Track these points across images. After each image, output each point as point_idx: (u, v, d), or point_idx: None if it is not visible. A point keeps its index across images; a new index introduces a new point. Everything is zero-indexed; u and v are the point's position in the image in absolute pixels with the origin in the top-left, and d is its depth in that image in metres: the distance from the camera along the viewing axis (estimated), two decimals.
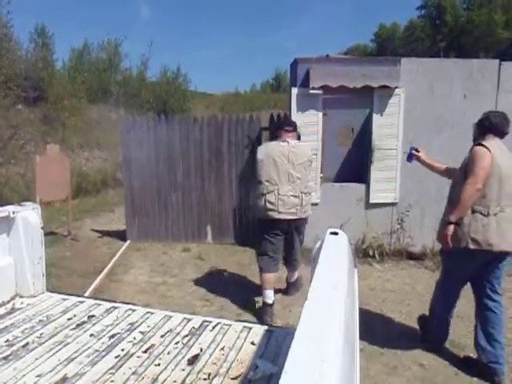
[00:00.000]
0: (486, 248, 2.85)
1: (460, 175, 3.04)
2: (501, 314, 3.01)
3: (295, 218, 3.82)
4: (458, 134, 5.30)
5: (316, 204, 5.22)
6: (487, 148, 2.89)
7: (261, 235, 3.99)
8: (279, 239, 3.95)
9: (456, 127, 5.29)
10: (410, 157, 3.68)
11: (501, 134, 3.05)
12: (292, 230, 3.94)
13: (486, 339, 3.00)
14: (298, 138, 4.00)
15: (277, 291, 4.25)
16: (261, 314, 3.93)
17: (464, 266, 3.04)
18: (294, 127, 3.97)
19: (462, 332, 3.61)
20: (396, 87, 5.28)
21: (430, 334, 3.39)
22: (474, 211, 2.89)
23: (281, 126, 4.01)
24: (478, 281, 3.06)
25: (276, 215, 3.78)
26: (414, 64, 5.39)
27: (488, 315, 3.01)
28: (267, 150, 3.88)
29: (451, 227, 2.92)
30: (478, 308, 3.11)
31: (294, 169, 3.79)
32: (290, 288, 4.50)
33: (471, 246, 2.87)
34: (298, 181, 3.79)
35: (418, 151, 3.65)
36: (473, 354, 3.26)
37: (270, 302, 3.95)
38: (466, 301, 3.90)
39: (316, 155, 5.20)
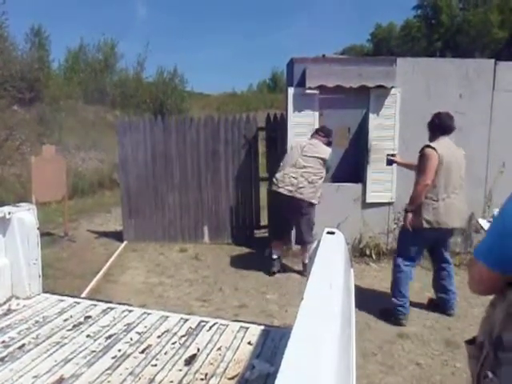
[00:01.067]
0: (436, 226, 3.56)
1: (415, 172, 3.72)
2: (451, 271, 3.90)
3: (290, 195, 4.57)
4: (454, 133, 5.31)
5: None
6: (434, 149, 3.53)
7: (271, 211, 5.29)
8: (284, 215, 4.81)
9: None
10: (390, 162, 4.69)
11: (448, 131, 3.72)
12: (291, 207, 4.62)
13: (443, 289, 3.89)
14: (328, 143, 4.83)
15: (296, 272, 5.06)
16: (268, 266, 5.01)
17: (420, 243, 3.75)
18: (325, 134, 4.86)
19: (458, 331, 3.62)
20: (392, 87, 5.29)
21: (394, 312, 3.80)
22: (426, 198, 3.57)
23: (316, 131, 4.95)
24: (435, 251, 3.91)
25: (276, 188, 4.68)
26: (410, 64, 5.40)
27: (442, 273, 3.87)
28: (294, 144, 4.97)
29: (409, 215, 3.65)
30: (436, 269, 3.94)
31: (302, 157, 4.64)
32: (303, 269, 4.90)
33: (425, 226, 3.57)
34: (302, 168, 4.60)
35: (393, 156, 4.61)
36: None
37: (274, 256, 5.00)
38: (464, 302, 3.93)
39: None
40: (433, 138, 3.74)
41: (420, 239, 3.72)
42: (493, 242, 1.28)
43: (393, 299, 3.77)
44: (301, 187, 4.56)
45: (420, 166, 3.62)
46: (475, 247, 1.37)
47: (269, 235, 4.81)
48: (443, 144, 3.63)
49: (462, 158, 3.77)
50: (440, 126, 3.71)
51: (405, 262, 3.76)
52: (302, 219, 4.70)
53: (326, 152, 4.71)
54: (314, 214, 4.77)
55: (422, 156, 3.59)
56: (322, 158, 4.66)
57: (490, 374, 1.25)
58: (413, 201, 3.63)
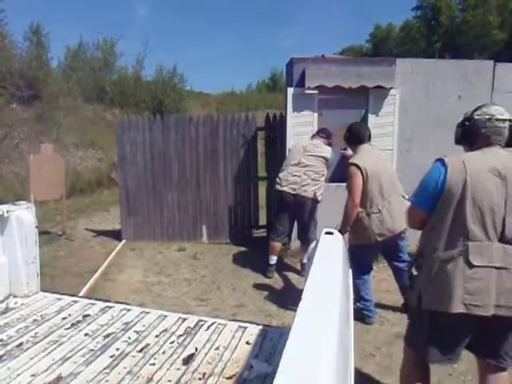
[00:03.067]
0: (389, 235, 3.55)
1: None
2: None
3: (294, 193, 4.65)
4: (453, 134, 5.32)
5: None
6: (356, 165, 3.54)
7: (273, 211, 5.14)
8: (285, 215, 4.82)
9: (451, 127, 5.26)
10: (341, 157, 4.67)
11: (364, 140, 3.79)
12: (295, 206, 4.69)
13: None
14: (328, 145, 4.89)
15: (294, 272, 5.05)
16: (264, 271, 4.99)
17: (373, 252, 3.82)
18: (326, 136, 4.92)
19: None
20: (391, 88, 5.29)
21: (362, 315, 3.81)
22: (368, 214, 3.56)
23: (318, 131, 5.02)
24: (389, 254, 3.86)
25: (279, 187, 4.75)
26: (409, 64, 5.41)
27: (402, 273, 3.78)
28: (295, 143, 5.01)
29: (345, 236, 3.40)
30: (394, 271, 3.91)
31: (304, 157, 4.73)
32: (302, 268, 4.91)
33: (379, 239, 3.55)
34: (305, 167, 4.69)
35: (345, 149, 4.40)
36: (466, 353, 3.28)
37: (271, 262, 4.95)
38: None
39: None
40: (354, 150, 3.84)
41: (370, 251, 3.76)
42: (421, 193, 2.16)
43: (357, 304, 3.74)
44: (304, 185, 4.65)
45: (347, 185, 3.64)
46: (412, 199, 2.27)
47: (268, 235, 4.77)
48: (364, 155, 3.66)
49: (385, 159, 3.95)
50: (355, 137, 3.81)
51: (363, 273, 3.76)
52: (306, 217, 4.75)
53: (327, 151, 4.80)
54: (317, 211, 4.82)
55: (347, 175, 3.62)
56: (324, 157, 4.76)
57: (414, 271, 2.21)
58: (344, 222, 3.60)
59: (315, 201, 4.73)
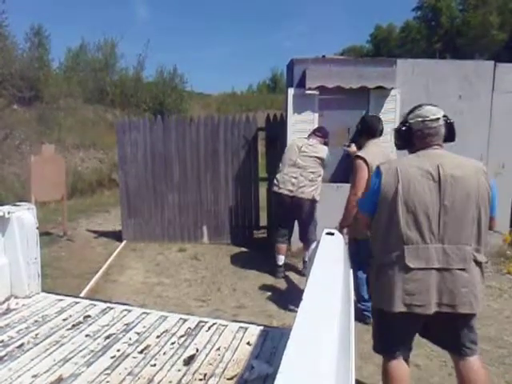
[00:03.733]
0: None
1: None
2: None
3: (292, 195, 4.63)
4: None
5: None
6: (363, 159, 3.38)
7: (274, 213, 5.27)
8: (286, 217, 4.83)
9: None
10: (346, 153, 4.77)
11: (376, 134, 3.66)
12: (294, 208, 4.67)
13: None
14: (324, 144, 4.86)
15: (295, 272, 5.08)
16: (273, 272, 4.96)
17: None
18: (323, 135, 4.91)
19: None
20: (392, 88, 5.29)
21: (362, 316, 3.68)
22: None
23: (314, 130, 5.00)
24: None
25: (277, 189, 4.73)
26: (409, 65, 5.41)
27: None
28: (291, 143, 4.98)
29: (343, 231, 3.18)
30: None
31: (300, 157, 4.69)
32: (303, 266, 4.94)
33: None
34: (302, 168, 4.65)
35: (349, 146, 4.53)
36: None
37: (279, 263, 4.93)
38: None
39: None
40: (362, 144, 3.68)
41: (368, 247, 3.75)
42: (364, 198, 2.38)
43: (358, 304, 3.63)
44: (302, 186, 4.62)
45: (351, 178, 3.49)
46: (359, 204, 2.43)
47: (272, 238, 4.75)
48: (373, 150, 3.48)
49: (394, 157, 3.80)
50: (367, 129, 3.67)
51: (363, 272, 3.64)
52: (305, 218, 4.73)
53: (323, 151, 4.77)
54: (316, 211, 4.81)
55: (353, 167, 3.46)
56: (320, 158, 4.72)
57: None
58: (345, 218, 3.36)
59: (313, 201, 4.70)
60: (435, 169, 2.06)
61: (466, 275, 2.04)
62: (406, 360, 2.29)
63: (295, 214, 4.76)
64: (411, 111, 2.26)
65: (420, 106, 2.26)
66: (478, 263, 2.09)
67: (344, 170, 5.78)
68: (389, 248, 2.11)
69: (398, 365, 2.23)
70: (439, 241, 2.04)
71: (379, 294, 2.17)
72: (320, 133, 4.92)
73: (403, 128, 2.24)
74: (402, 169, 2.10)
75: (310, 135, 4.97)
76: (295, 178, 4.65)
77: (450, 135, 2.23)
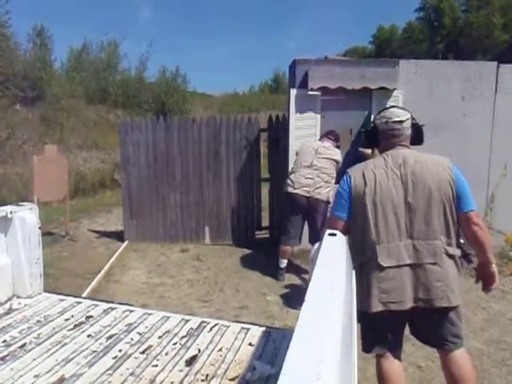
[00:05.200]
0: None
1: None
2: None
3: (307, 195, 4.63)
4: (457, 135, 5.32)
5: None
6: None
7: (283, 214, 5.10)
8: (297, 218, 4.77)
9: (454, 129, 5.31)
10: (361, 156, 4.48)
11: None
12: (309, 208, 4.67)
13: None
14: (337, 147, 4.94)
15: (296, 273, 5.04)
16: (275, 275, 4.93)
17: None
18: (335, 138, 4.98)
19: None
20: (394, 89, 5.29)
21: None
22: None
23: (326, 134, 5.03)
24: None
25: (291, 190, 4.70)
26: (412, 66, 5.41)
27: None
28: (304, 144, 4.98)
29: None
30: None
31: (316, 159, 4.72)
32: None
33: None
34: (318, 169, 4.69)
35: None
36: (470, 356, 3.27)
37: (282, 266, 4.92)
38: (465, 308, 3.88)
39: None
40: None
41: None
42: (337, 203, 2.28)
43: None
44: (318, 187, 4.65)
45: None
46: (331, 211, 2.40)
47: (275, 238, 4.70)
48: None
49: None
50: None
51: None
52: (319, 219, 4.71)
53: (338, 154, 4.86)
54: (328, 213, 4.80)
55: None
56: (335, 160, 4.79)
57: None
58: None
59: (328, 203, 4.70)
60: (398, 168, 2.16)
61: (438, 269, 2.08)
62: (398, 357, 2.30)
63: (308, 215, 4.74)
64: (379, 113, 2.36)
65: (387, 108, 2.36)
66: (451, 256, 2.13)
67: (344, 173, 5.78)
68: (364, 249, 2.17)
69: (388, 363, 2.25)
70: (409, 237, 2.10)
71: (359, 295, 2.11)
72: (333, 136, 4.97)
73: (369, 129, 2.39)
74: (368, 171, 2.20)
75: (322, 138, 5.02)
76: (311, 178, 4.67)
77: (417, 137, 2.31)
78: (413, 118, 2.29)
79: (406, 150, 2.24)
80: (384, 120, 2.27)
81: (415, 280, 2.09)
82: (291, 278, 4.94)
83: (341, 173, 5.67)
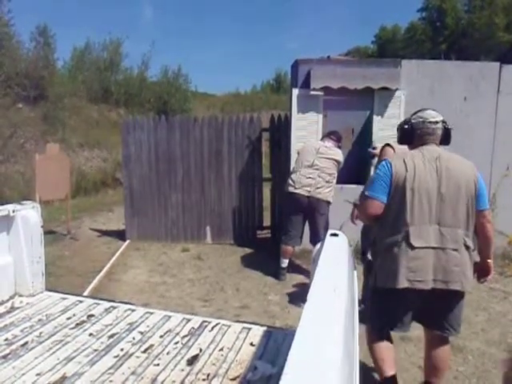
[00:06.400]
0: None
1: None
2: None
3: (308, 195, 4.63)
4: (459, 135, 5.28)
5: None
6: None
7: (284, 214, 5.11)
8: (298, 218, 4.78)
9: (457, 129, 5.24)
10: (372, 156, 4.54)
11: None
12: (309, 208, 4.66)
13: None
14: (339, 147, 4.92)
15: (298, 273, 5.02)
16: (276, 274, 4.93)
17: None
18: (337, 139, 4.95)
19: (460, 335, 3.60)
20: (397, 89, 5.28)
21: None
22: None
23: (328, 134, 4.99)
24: None
25: (293, 189, 4.70)
26: (414, 66, 5.40)
27: None
28: (306, 144, 4.99)
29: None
30: None
31: (317, 159, 4.71)
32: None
33: None
34: (319, 169, 4.68)
35: (375, 148, 4.40)
36: (472, 357, 3.28)
37: (283, 266, 4.90)
38: (467, 308, 3.89)
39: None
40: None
41: None
42: (377, 186, 2.42)
43: (362, 305, 3.48)
44: (319, 187, 4.65)
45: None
46: (368, 193, 2.48)
47: (276, 238, 4.69)
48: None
49: None
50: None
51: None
52: (319, 219, 4.72)
53: (340, 155, 4.85)
54: (328, 213, 4.81)
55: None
56: (336, 160, 4.78)
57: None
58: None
59: (328, 203, 4.73)
60: (434, 160, 2.38)
61: (458, 255, 2.32)
62: (389, 338, 2.55)
63: (309, 214, 4.74)
64: (415, 113, 2.57)
65: (424, 109, 2.58)
66: (467, 247, 2.35)
67: (348, 171, 5.78)
68: (396, 230, 2.36)
69: (387, 344, 2.52)
70: (437, 223, 2.33)
71: (384, 273, 2.39)
72: (335, 136, 4.95)
73: (406, 126, 2.56)
74: (408, 159, 2.40)
75: (324, 138, 5.00)
76: (312, 178, 4.66)
77: (445, 139, 2.54)
78: (443, 122, 2.51)
79: (438, 147, 2.48)
80: (421, 120, 2.49)
81: (437, 262, 2.30)
82: (292, 278, 4.93)
83: (342, 173, 5.71)
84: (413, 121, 2.53)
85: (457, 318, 2.46)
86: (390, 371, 2.46)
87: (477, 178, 2.38)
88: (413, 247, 2.31)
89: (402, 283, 2.30)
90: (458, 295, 2.40)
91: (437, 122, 2.48)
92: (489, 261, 2.54)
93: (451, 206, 2.33)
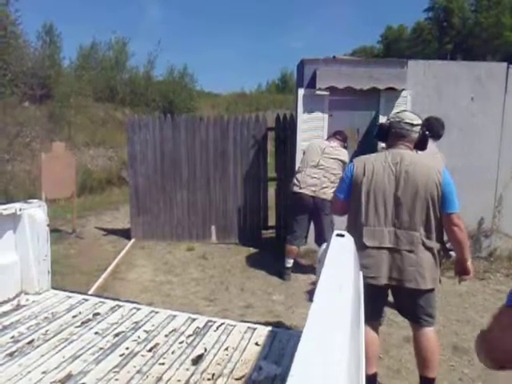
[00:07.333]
0: None
1: None
2: None
3: (313, 195, 4.63)
4: (466, 136, 5.29)
5: None
6: None
7: (290, 213, 5.12)
8: (303, 218, 4.78)
9: (464, 129, 5.28)
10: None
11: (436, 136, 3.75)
12: (314, 208, 4.67)
13: None
14: (344, 147, 4.94)
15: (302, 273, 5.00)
16: (281, 274, 4.93)
17: None
18: (343, 139, 4.98)
19: (466, 337, 3.60)
20: (403, 89, 5.26)
21: None
22: None
23: (334, 134, 5.01)
24: None
25: (298, 189, 4.71)
26: (421, 66, 5.37)
27: None
28: (311, 144, 4.98)
29: None
30: None
31: (323, 159, 4.72)
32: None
33: None
34: (324, 169, 4.69)
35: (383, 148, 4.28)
36: (477, 359, 3.26)
37: (288, 265, 4.91)
38: (472, 311, 3.90)
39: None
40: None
41: None
42: (340, 186, 2.69)
43: None
44: (324, 187, 4.64)
45: None
46: (336, 191, 2.78)
47: (281, 238, 4.66)
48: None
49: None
50: (430, 131, 3.54)
51: None
52: (325, 219, 4.71)
53: (345, 155, 4.84)
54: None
55: None
56: (342, 161, 4.77)
57: None
58: None
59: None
60: (394, 165, 2.46)
61: (413, 256, 2.42)
62: (375, 329, 2.65)
63: (314, 214, 4.74)
64: (397, 113, 2.65)
65: (404, 110, 2.71)
66: (428, 248, 2.43)
67: None
68: (355, 228, 2.50)
69: (366, 332, 2.45)
70: (392, 225, 2.45)
71: None
72: (340, 136, 4.96)
73: (384, 123, 2.64)
74: (368, 163, 2.52)
75: (329, 138, 5.01)
76: (318, 178, 4.67)
77: (421, 144, 2.60)
78: (423, 126, 2.57)
79: (407, 151, 2.52)
80: (398, 119, 2.55)
81: (391, 262, 2.44)
82: (297, 278, 4.93)
83: None
84: (391, 119, 2.60)
85: (425, 310, 2.53)
86: (370, 370, 2.54)
87: (441, 181, 2.41)
88: (365, 246, 2.45)
89: None
90: (419, 291, 2.46)
91: (413, 125, 2.51)
92: (467, 262, 2.56)
93: (407, 209, 2.42)
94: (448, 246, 2.71)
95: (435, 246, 2.46)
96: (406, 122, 2.51)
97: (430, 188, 2.40)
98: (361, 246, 2.41)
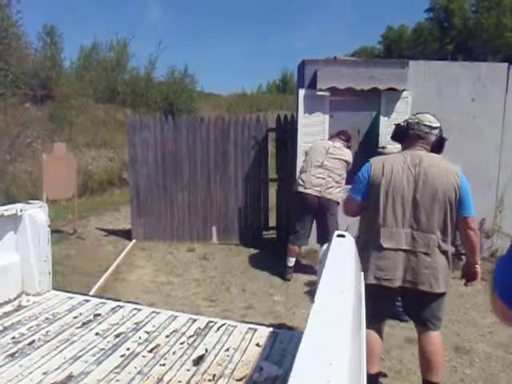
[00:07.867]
0: None
1: None
2: None
3: (318, 195, 4.62)
4: (467, 136, 5.28)
5: None
6: None
7: (293, 213, 5.07)
8: (307, 218, 4.78)
9: (464, 130, 5.27)
10: (380, 155, 4.59)
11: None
12: (319, 208, 4.66)
13: None
14: (348, 148, 4.93)
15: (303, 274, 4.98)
16: (283, 273, 4.92)
17: None
18: (346, 138, 4.96)
19: (467, 337, 3.59)
20: (403, 90, 5.26)
21: None
22: None
23: (337, 133, 4.99)
24: None
25: (302, 189, 4.68)
26: (421, 67, 5.37)
27: None
28: (315, 144, 4.97)
29: None
30: None
31: (327, 159, 4.70)
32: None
33: None
34: (329, 169, 4.67)
35: (384, 148, 4.33)
36: (478, 360, 3.25)
37: (290, 264, 4.89)
38: (474, 311, 3.89)
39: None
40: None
41: None
42: (355, 186, 2.61)
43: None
44: (329, 187, 4.65)
45: None
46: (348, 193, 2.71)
47: (278, 237, 4.65)
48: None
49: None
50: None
51: None
52: (329, 219, 4.70)
53: (349, 155, 4.84)
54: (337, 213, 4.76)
55: None
56: (346, 161, 4.77)
57: None
58: None
59: (338, 203, 4.68)
60: (414, 166, 2.44)
61: (428, 259, 2.40)
62: (379, 331, 2.61)
63: (318, 215, 4.73)
64: (415, 114, 2.62)
65: (424, 112, 2.61)
66: (444, 251, 2.42)
67: (354, 172, 5.76)
68: (370, 229, 2.50)
69: (370, 333, 2.48)
70: (410, 227, 2.43)
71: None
72: (344, 136, 4.95)
73: (401, 124, 2.61)
74: (387, 164, 2.49)
75: (333, 138, 4.99)
76: (323, 178, 4.66)
77: (438, 148, 2.56)
78: (441, 130, 2.54)
79: (425, 153, 2.49)
80: (416, 121, 2.53)
81: (407, 263, 2.42)
82: (298, 279, 4.93)
83: (351, 173, 5.70)
84: (409, 120, 2.57)
85: (434, 313, 2.51)
86: (372, 369, 2.53)
87: (459, 184, 2.40)
88: (382, 248, 2.43)
89: (370, 280, 2.40)
90: (432, 294, 2.45)
91: (431, 128, 2.50)
92: (476, 266, 2.55)
93: (425, 211, 2.40)
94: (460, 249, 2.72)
95: (450, 249, 2.45)
96: (425, 125, 2.50)
97: (448, 191, 2.39)
98: (377, 247, 2.44)
